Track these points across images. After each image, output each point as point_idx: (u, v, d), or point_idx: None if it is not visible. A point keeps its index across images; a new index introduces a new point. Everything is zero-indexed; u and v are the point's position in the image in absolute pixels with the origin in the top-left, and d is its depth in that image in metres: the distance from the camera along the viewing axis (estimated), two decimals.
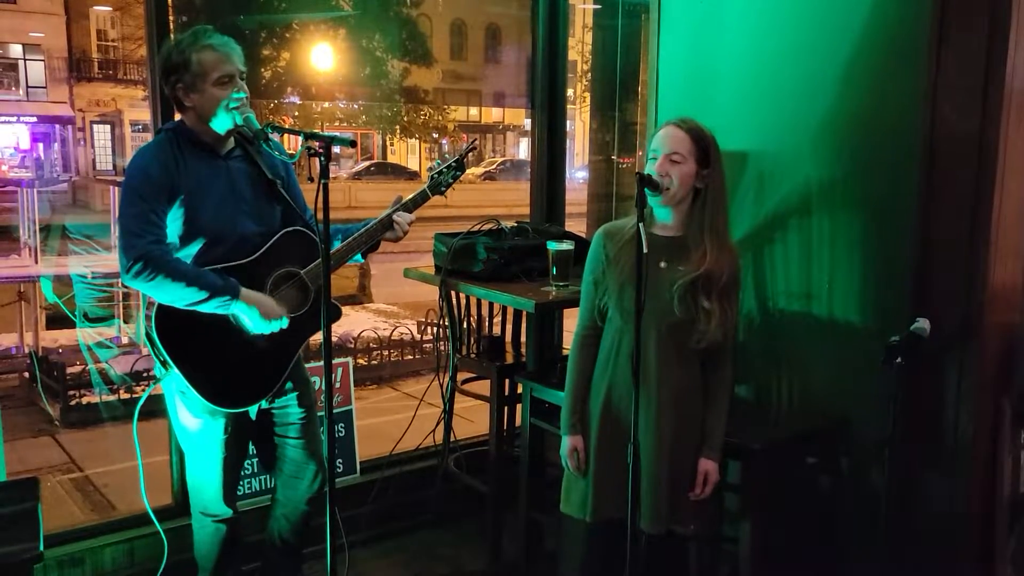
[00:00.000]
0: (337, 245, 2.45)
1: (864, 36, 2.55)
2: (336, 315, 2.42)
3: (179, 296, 2.15)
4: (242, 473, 3.00)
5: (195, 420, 2.34)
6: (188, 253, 2.25)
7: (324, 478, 2.55)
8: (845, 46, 2.59)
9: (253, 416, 2.43)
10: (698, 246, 2.10)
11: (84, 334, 7.12)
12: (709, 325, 2.10)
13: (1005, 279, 2.41)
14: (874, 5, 2.53)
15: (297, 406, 2.50)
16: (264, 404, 2.43)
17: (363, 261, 2.63)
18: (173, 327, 2.22)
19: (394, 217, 2.47)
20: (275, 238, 2.33)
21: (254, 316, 2.24)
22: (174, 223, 2.23)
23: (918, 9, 2.40)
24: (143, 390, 5.90)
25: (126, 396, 5.89)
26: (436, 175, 2.59)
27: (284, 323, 2.30)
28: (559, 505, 2.33)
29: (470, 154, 2.69)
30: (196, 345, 2.25)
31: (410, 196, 2.54)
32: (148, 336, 2.26)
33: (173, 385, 2.31)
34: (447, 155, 2.73)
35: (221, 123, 2.25)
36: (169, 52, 2.25)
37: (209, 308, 2.19)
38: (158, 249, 2.14)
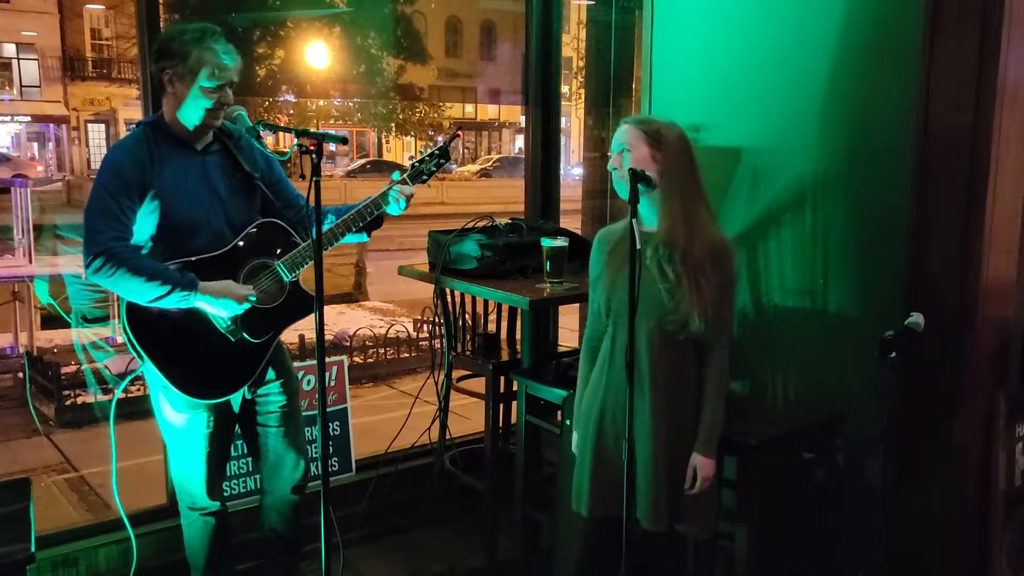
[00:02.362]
0: (327, 226, 2.41)
1: (857, 31, 2.55)
2: (312, 305, 2.35)
3: (139, 291, 2.16)
4: (236, 472, 3.01)
5: (178, 415, 2.35)
6: (164, 246, 2.25)
7: (306, 467, 2.57)
8: (838, 42, 2.59)
9: (236, 408, 2.43)
10: (659, 226, 2.12)
11: (80, 335, 7.10)
12: (675, 300, 2.08)
13: (999, 274, 2.41)
14: (867, 1, 2.53)
15: (279, 395, 2.50)
16: (247, 395, 2.43)
17: (367, 239, 2.61)
18: (144, 319, 2.23)
19: (391, 192, 2.45)
20: (248, 229, 2.33)
21: (225, 305, 2.25)
22: (151, 216, 2.23)
23: (911, 5, 2.40)
24: (137, 390, 5.87)
25: (121, 396, 5.86)
26: (417, 163, 2.54)
27: (251, 300, 2.28)
28: (558, 503, 2.34)
29: (455, 142, 2.66)
30: (168, 337, 2.25)
31: (398, 179, 2.50)
32: (123, 329, 2.26)
33: (157, 380, 2.31)
34: (430, 145, 2.67)
35: (189, 117, 2.25)
36: (171, 38, 2.25)
37: (171, 303, 2.19)
38: (119, 245, 2.15)
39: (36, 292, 7.15)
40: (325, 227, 2.39)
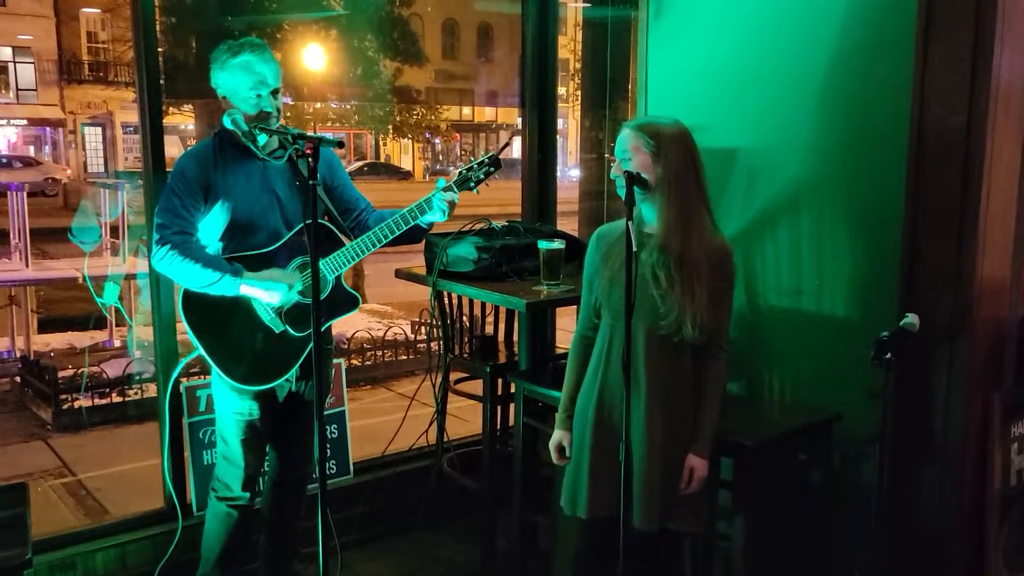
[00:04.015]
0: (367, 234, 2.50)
1: (852, 33, 2.56)
2: (354, 304, 2.59)
3: (196, 277, 2.35)
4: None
5: (225, 395, 2.51)
6: (230, 244, 2.44)
7: (313, 463, 2.68)
8: (833, 44, 2.60)
9: (281, 398, 2.57)
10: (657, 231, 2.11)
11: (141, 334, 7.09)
12: (667, 305, 2.08)
13: (993, 274, 2.42)
14: (862, 3, 2.54)
15: (310, 389, 2.61)
16: (293, 388, 2.58)
17: (421, 241, 2.76)
18: (197, 308, 2.42)
19: (436, 199, 2.50)
20: (295, 229, 2.47)
21: (271, 286, 2.40)
22: (219, 216, 2.42)
23: (905, 7, 2.40)
24: (135, 393, 5.87)
25: (118, 399, 5.85)
26: (465, 171, 2.56)
27: (295, 290, 2.44)
28: (556, 505, 2.34)
29: (506, 150, 2.65)
30: (217, 325, 2.44)
31: (446, 184, 2.54)
32: (181, 316, 2.46)
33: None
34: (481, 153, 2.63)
35: (241, 127, 2.40)
36: (214, 57, 2.43)
37: (221, 289, 2.37)
38: (179, 238, 2.37)
39: (105, 292, 7.10)
40: (369, 232, 2.50)
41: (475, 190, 2.57)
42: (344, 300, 2.56)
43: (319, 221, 2.46)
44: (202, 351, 2.44)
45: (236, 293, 2.39)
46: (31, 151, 26.63)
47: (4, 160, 23.46)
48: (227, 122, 2.40)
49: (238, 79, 2.37)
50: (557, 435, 2.30)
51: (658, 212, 2.10)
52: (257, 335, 2.45)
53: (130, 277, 7.15)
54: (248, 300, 2.44)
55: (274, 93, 2.41)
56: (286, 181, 2.48)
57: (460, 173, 2.56)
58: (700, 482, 2.16)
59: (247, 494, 2.58)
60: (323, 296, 2.46)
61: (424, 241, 3.17)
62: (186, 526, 2.80)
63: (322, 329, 2.51)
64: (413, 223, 2.51)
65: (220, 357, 2.44)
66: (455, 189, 2.52)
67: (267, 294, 2.41)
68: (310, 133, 2.09)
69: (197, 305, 2.42)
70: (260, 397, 2.51)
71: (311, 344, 2.48)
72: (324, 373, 2.67)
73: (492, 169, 2.56)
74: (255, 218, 2.44)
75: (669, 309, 2.08)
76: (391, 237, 2.50)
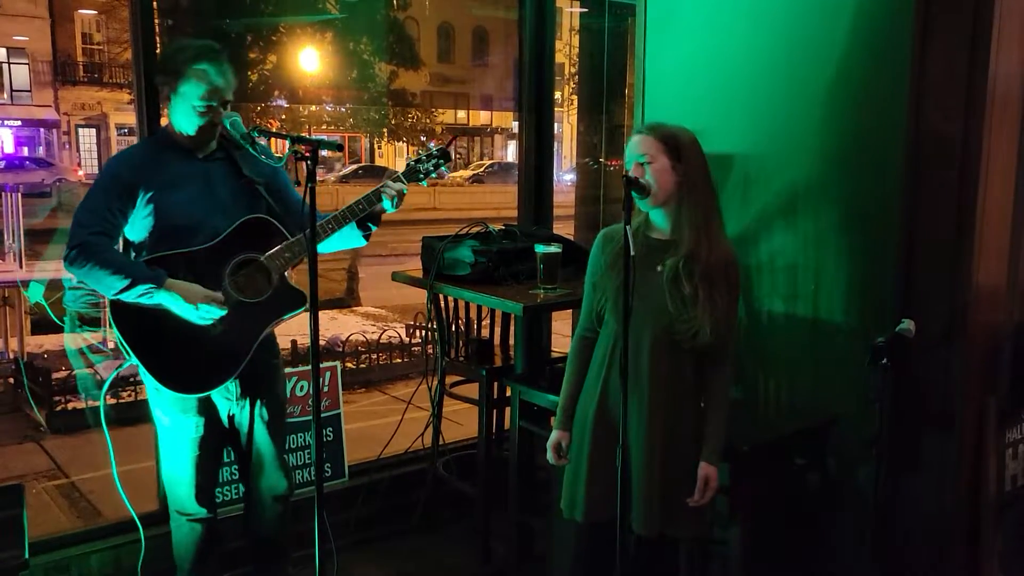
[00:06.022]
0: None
1: (849, 39, 2.57)
2: (300, 301, 2.43)
3: (106, 284, 2.23)
4: (228, 478, 3.01)
5: (167, 417, 2.42)
6: (162, 247, 2.32)
7: (289, 477, 2.63)
8: (830, 49, 2.61)
9: (224, 419, 2.50)
10: (682, 237, 2.10)
11: (73, 339, 7.03)
12: (689, 313, 2.07)
13: (989, 279, 2.43)
14: (859, 9, 2.55)
15: (262, 407, 2.54)
16: (234, 409, 2.50)
17: (365, 243, 2.65)
18: (130, 314, 2.29)
19: (383, 188, 2.47)
20: (236, 224, 2.36)
21: (179, 303, 2.27)
22: (146, 219, 2.32)
23: (902, 12, 2.42)
24: (128, 395, 5.85)
25: (112, 401, 5.83)
26: (414, 162, 2.56)
27: (216, 313, 2.30)
28: (552, 508, 2.33)
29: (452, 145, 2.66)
30: (152, 331, 2.31)
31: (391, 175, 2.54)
32: (110, 324, 2.34)
33: (150, 381, 2.36)
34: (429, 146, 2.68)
35: (185, 130, 2.35)
36: (168, 55, 2.36)
37: (133, 297, 2.24)
38: (95, 239, 2.24)
39: (30, 291, 7.07)
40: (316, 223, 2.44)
41: (423, 182, 2.56)
42: (289, 297, 2.41)
43: (263, 216, 2.40)
44: (135, 359, 2.30)
45: (150, 303, 2.26)
46: (24, 152, 26.54)
47: (16, 162, 23.43)
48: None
49: (190, 86, 2.28)
50: (555, 435, 2.28)
51: (682, 219, 2.09)
52: (195, 338, 2.32)
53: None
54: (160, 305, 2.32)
55: (224, 104, 2.33)
56: (228, 183, 2.41)
57: (408, 165, 2.56)
58: (714, 491, 2.15)
59: (203, 509, 2.50)
60: (265, 297, 2.38)
61: (421, 244, 3.17)
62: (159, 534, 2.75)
63: (265, 333, 2.42)
64: (361, 215, 2.45)
65: (156, 365, 2.30)
66: (403, 180, 2.51)
67: (179, 308, 2.28)
68: (308, 136, 2.09)
69: (129, 310, 2.28)
70: (204, 413, 2.43)
71: (251, 352, 2.39)
72: (277, 390, 2.60)
73: (441, 162, 2.55)
74: (196, 220, 2.34)
75: (688, 315, 2.07)
76: (338, 229, 2.43)
